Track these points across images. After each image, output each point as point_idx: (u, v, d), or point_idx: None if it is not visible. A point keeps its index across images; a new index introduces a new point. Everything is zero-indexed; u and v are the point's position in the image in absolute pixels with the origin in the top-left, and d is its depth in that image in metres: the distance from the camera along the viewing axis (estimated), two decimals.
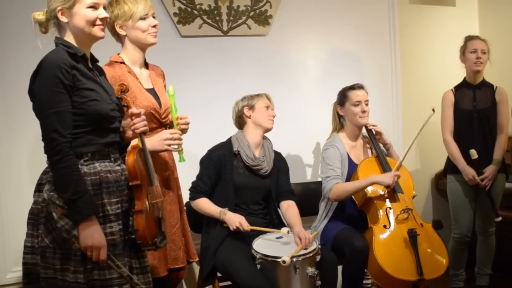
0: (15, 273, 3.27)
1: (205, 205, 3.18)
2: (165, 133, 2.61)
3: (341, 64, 4.25)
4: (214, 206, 3.16)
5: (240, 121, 3.35)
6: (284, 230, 3.10)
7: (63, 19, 2.14)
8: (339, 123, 3.61)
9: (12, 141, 3.28)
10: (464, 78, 3.88)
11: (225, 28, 3.82)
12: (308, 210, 3.61)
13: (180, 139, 2.64)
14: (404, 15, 4.49)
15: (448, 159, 3.90)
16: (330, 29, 4.22)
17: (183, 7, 3.69)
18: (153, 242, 2.23)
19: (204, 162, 3.25)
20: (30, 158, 3.31)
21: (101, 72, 2.33)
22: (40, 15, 2.17)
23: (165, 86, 2.89)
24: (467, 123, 3.77)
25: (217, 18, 3.79)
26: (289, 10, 4.04)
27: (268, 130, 3.33)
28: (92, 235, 2.03)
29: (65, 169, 2.02)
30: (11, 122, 3.27)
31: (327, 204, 3.45)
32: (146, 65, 2.82)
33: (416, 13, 4.58)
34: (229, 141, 3.31)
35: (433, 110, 3.45)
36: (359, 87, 3.51)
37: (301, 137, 4.07)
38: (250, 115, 3.30)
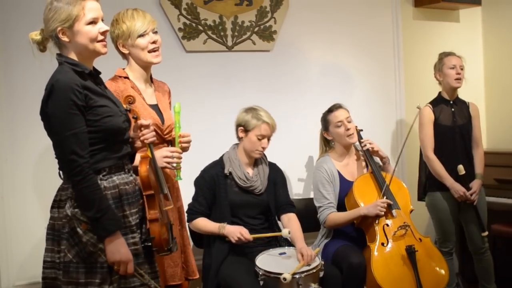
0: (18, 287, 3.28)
1: (203, 224, 3.17)
2: (165, 151, 2.60)
3: (345, 79, 4.27)
4: (212, 223, 3.15)
5: (236, 134, 3.34)
6: (285, 231, 3.10)
7: (65, 38, 2.14)
8: (328, 146, 3.63)
9: (16, 155, 3.29)
10: (440, 94, 3.87)
11: (229, 43, 3.84)
12: (309, 226, 3.58)
13: (180, 158, 2.63)
14: (408, 30, 4.51)
15: (428, 176, 3.85)
16: (334, 45, 4.24)
17: (188, 22, 3.71)
18: (168, 248, 2.32)
19: (198, 183, 3.24)
20: (34, 172, 3.32)
21: (103, 83, 2.34)
22: (37, 35, 2.17)
23: (170, 103, 2.90)
24: (450, 139, 3.76)
25: (222, 33, 3.81)
26: (294, 26, 4.06)
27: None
28: (119, 250, 2.09)
29: (87, 189, 2.06)
30: (15, 136, 3.28)
31: None
32: (151, 81, 2.82)
33: (419, 28, 4.60)
34: (221, 160, 3.30)
35: (419, 107, 3.43)
36: (337, 107, 3.53)
37: (306, 152, 4.07)
38: (242, 137, 3.28)
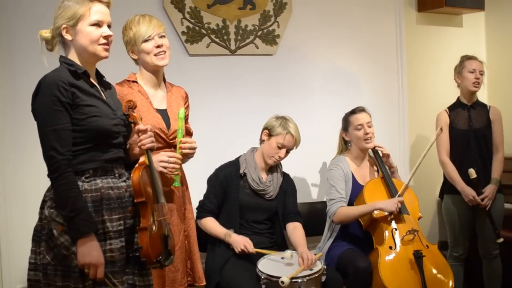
0: None
1: (211, 225, 3.18)
2: (163, 155, 2.57)
3: (348, 84, 4.27)
4: (220, 227, 3.16)
5: (260, 136, 3.35)
6: (288, 253, 3.08)
7: (68, 37, 2.16)
8: (344, 147, 3.63)
9: (18, 157, 3.29)
10: (458, 98, 3.87)
11: (232, 47, 3.84)
12: (313, 230, 3.59)
13: (178, 163, 2.60)
14: (411, 35, 4.51)
15: (444, 179, 3.87)
16: (337, 49, 4.25)
17: (191, 26, 3.71)
18: (157, 260, 2.21)
19: (211, 180, 3.26)
20: (36, 174, 3.30)
21: (107, 87, 2.33)
22: (47, 33, 2.19)
23: (187, 106, 2.90)
24: (464, 143, 3.76)
25: (225, 37, 3.81)
26: (297, 30, 4.07)
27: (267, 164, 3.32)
28: (90, 252, 2.03)
29: (63, 186, 2.03)
30: (18, 137, 3.27)
31: (331, 224, 3.44)
32: (165, 85, 2.81)
33: (422, 33, 4.61)
34: (237, 160, 3.32)
35: (441, 129, 3.43)
36: (360, 110, 3.53)
37: (307, 157, 4.06)
38: (264, 140, 3.30)
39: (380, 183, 3.47)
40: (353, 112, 3.54)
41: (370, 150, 3.60)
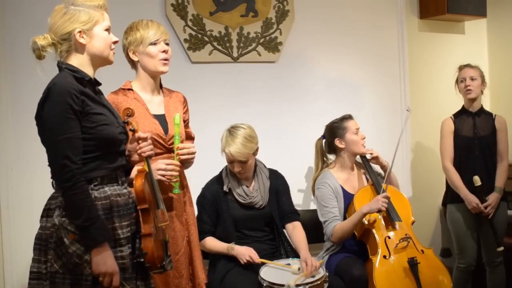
0: None
1: (212, 244, 3.18)
2: (160, 163, 2.58)
3: (350, 90, 4.27)
4: (221, 243, 3.16)
5: None
6: (295, 267, 3.03)
7: (82, 40, 2.14)
8: (323, 162, 3.61)
9: (21, 165, 3.30)
10: (463, 106, 3.88)
11: (235, 54, 3.86)
12: (313, 237, 3.56)
13: (176, 170, 2.61)
14: (413, 42, 4.51)
15: (448, 188, 3.87)
16: (339, 56, 4.25)
17: (193, 33, 3.73)
18: (161, 265, 2.25)
19: (200, 202, 3.24)
20: (39, 182, 3.31)
21: (101, 93, 2.32)
22: (42, 40, 2.11)
23: (187, 111, 2.90)
24: (468, 150, 3.76)
25: (227, 44, 3.83)
26: (299, 37, 4.07)
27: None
28: (105, 261, 2.04)
29: (77, 196, 2.02)
30: (20, 145, 3.28)
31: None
32: (162, 91, 2.82)
33: (425, 40, 4.61)
34: (220, 176, 3.30)
35: (408, 109, 3.41)
36: (351, 117, 3.54)
37: (310, 164, 4.06)
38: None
39: (369, 191, 3.44)
40: (345, 118, 3.53)
41: (358, 157, 3.58)
